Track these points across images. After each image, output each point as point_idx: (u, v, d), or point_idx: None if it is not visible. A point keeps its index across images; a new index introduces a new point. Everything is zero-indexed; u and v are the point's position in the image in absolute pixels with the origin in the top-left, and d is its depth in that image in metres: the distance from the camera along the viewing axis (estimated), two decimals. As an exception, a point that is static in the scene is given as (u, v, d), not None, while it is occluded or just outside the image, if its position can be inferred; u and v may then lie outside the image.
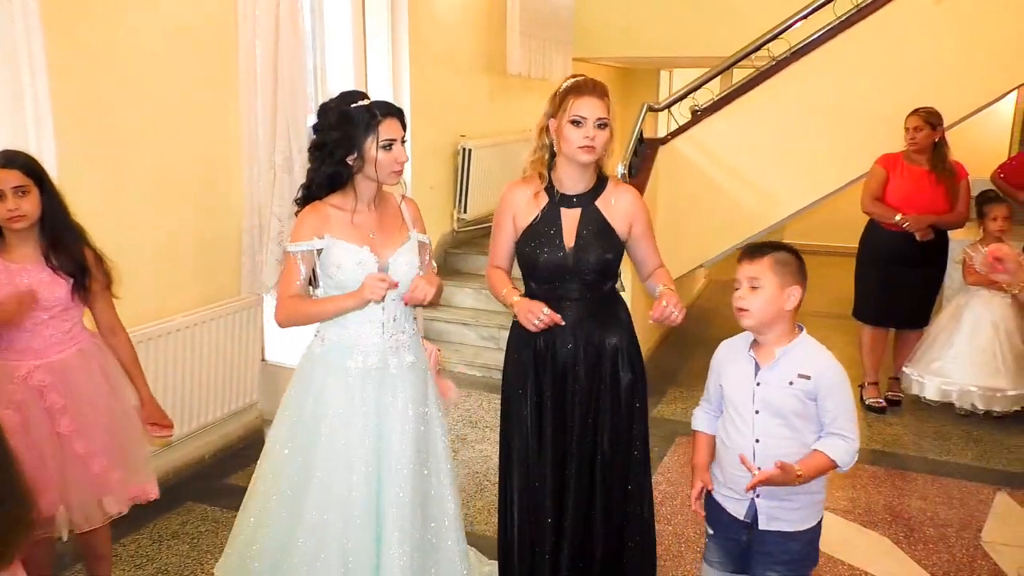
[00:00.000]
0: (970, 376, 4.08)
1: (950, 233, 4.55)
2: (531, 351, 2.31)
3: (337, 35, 4.34)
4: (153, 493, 2.42)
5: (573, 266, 2.24)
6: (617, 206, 2.28)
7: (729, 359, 2.01)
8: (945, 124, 4.17)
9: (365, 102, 2.10)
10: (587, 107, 2.17)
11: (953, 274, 4.58)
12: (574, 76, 2.28)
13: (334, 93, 4.16)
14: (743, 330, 1.99)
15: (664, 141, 5.13)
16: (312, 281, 2.21)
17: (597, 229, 2.26)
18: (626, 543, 2.37)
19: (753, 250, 1.95)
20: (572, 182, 2.27)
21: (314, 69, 4.21)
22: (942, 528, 3.14)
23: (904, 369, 4.35)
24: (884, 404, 4.34)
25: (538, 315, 2.17)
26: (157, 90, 3.23)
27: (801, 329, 1.96)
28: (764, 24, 5.00)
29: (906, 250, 4.11)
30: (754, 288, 1.90)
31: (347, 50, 4.34)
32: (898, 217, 4.05)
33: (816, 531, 1.98)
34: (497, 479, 3.43)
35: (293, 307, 2.17)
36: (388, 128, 2.09)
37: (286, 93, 3.54)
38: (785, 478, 1.81)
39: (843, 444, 1.85)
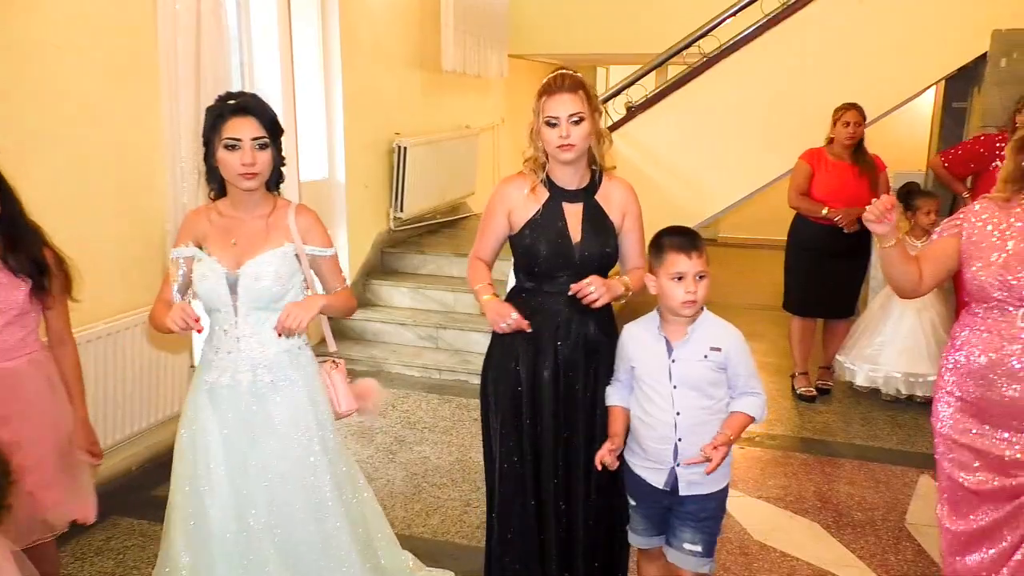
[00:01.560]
0: (895, 363, 4.22)
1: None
2: (518, 346, 2.25)
3: (264, 31, 4.23)
4: (92, 516, 2.27)
5: (578, 260, 2.21)
6: (613, 198, 2.27)
7: (638, 341, 2.11)
8: (869, 119, 4.30)
9: (230, 101, 2.04)
10: (558, 105, 2.13)
11: (879, 266, 4.73)
12: (554, 72, 2.25)
13: (263, 90, 4.06)
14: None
15: (598, 137, 5.16)
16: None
17: (599, 223, 2.24)
18: (615, 531, 2.35)
19: (692, 242, 2.00)
20: (567, 178, 2.25)
21: (241, 66, 4.10)
22: (869, 512, 3.23)
23: (837, 357, 4.47)
24: (814, 393, 4.45)
25: (506, 319, 2.17)
26: (72, 88, 3.11)
27: (702, 308, 2.07)
28: (697, 21, 5.08)
29: (832, 243, 4.22)
30: (701, 278, 2.00)
31: (274, 46, 4.24)
32: (825, 211, 4.15)
33: (727, 490, 2.14)
34: (436, 481, 3.44)
35: (156, 313, 2.11)
36: (234, 127, 2.01)
37: (210, 91, 3.43)
38: (728, 443, 2.00)
39: (756, 400, 2.06)
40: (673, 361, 2.04)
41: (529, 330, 2.20)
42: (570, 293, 2.16)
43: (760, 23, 4.88)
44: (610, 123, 5.23)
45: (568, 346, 2.24)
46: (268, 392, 2.10)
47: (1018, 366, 1.97)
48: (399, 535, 2.96)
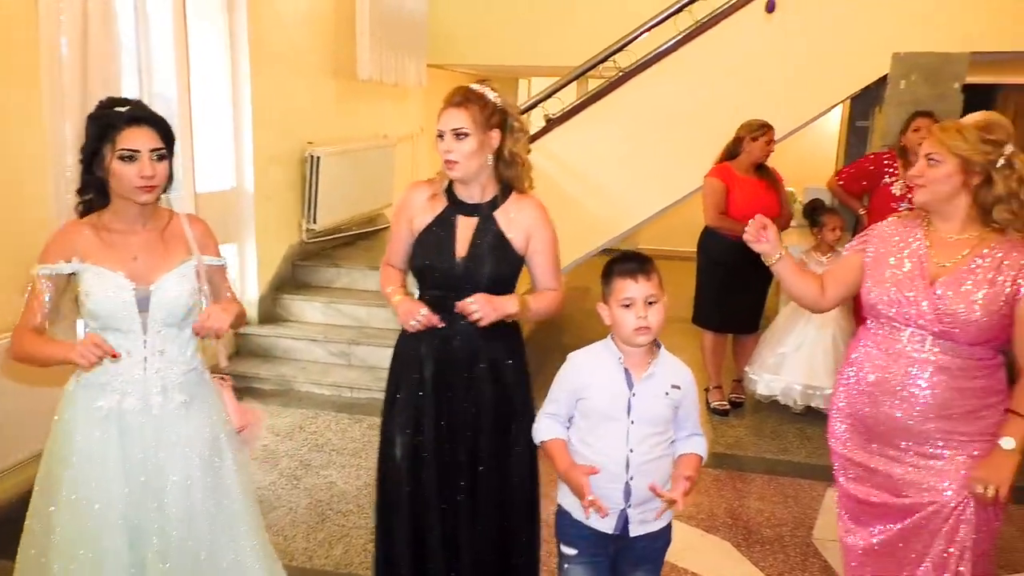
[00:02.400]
0: (795, 374, 4.32)
1: (785, 241, 4.79)
2: (418, 364, 2.21)
3: (163, 35, 4.03)
4: None
5: (463, 276, 2.14)
6: (517, 219, 2.18)
7: (593, 371, 1.97)
8: (779, 135, 4.40)
9: (120, 108, 1.91)
10: (445, 118, 2.12)
11: (788, 279, 4.82)
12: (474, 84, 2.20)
13: (164, 94, 3.84)
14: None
15: (515, 150, 5.11)
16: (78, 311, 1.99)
17: (493, 241, 2.16)
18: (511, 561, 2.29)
19: (640, 266, 1.91)
20: (467, 191, 2.19)
21: (139, 72, 3.89)
22: (778, 528, 3.25)
23: (746, 369, 4.54)
24: (728, 407, 4.50)
25: (415, 316, 2.11)
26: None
27: (658, 344, 1.99)
28: (616, 35, 5.09)
29: (742, 259, 4.25)
30: (651, 304, 1.90)
31: (171, 51, 4.04)
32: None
33: (671, 526, 2.06)
34: (342, 508, 3.30)
35: (27, 343, 1.91)
36: (131, 137, 1.88)
37: (97, 94, 3.22)
38: (692, 484, 1.90)
39: (703, 440, 2.01)
40: (634, 395, 1.92)
41: (441, 325, 2.14)
42: (456, 311, 2.10)
43: (674, 39, 4.93)
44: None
45: (448, 363, 2.17)
46: (182, 412, 1.99)
47: (903, 386, 1.99)
48: (299, 568, 2.83)
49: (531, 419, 2.16)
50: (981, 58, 4.72)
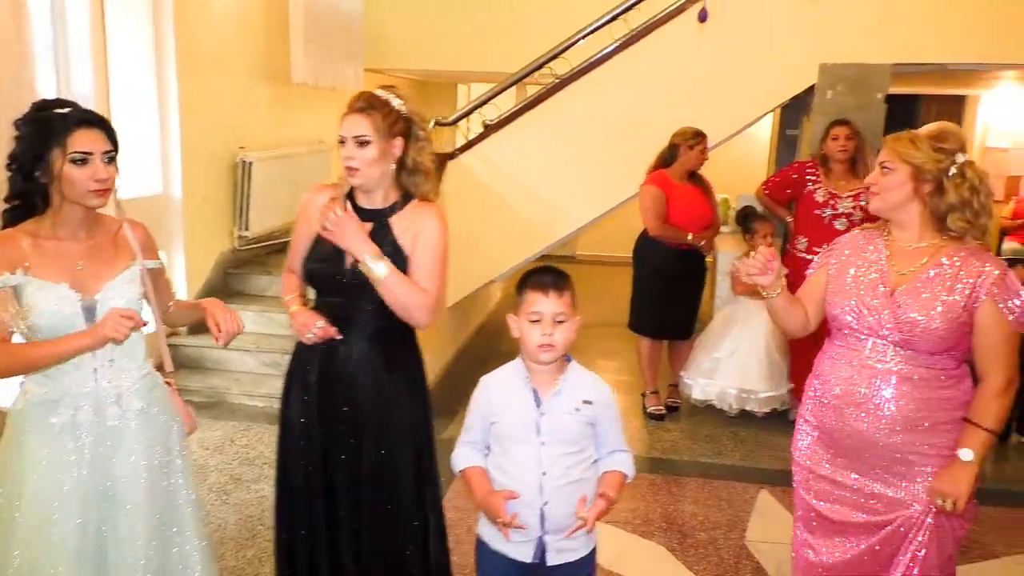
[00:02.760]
0: (730, 378, 4.39)
1: (718, 247, 4.90)
2: (308, 374, 2.17)
3: (83, 36, 3.88)
4: None
5: (352, 284, 2.09)
6: (410, 225, 2.13)
7: (501, 393, 1.92)
8: (712, 143, 4.47)
9: (63, 110, 1.83)
10: (346, 125, 2.07)
11: (723, 284, 4.91)
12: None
13: (82, 94, 3.69)
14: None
15: (452, 156, 5.09)
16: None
17: (386, 248, 2.10)
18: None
19: (554, 282, 1.85)
20: (368, 198, 2.15)
21: (56, 72, 3.74)
22: (712, 531, 3.29)
23: (681, 374, 4.60)
24: (664, 411, 4.54)
25: (311, 328, 2.07)
26: None
27: (569, 359, 1.94)
28: (553, 41, 5.10)
29: (680, 266, 4.38)
30: (559, 322, 1.84)
31: (87, 51, 3.89)
32: (691, 236, 4.28)
33: (595, 552, 1.97)
34: (273, 523, 3.20)
35: (6, 354, 1.82)
36: (81, 139, 1.81)
37: (9, 98, 3.09)
38: (609, 504, 1.84)
39: (627, 457, 1.94)
40: (542, 414, 1.86)
41: (339, 337, 2.11)
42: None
43: (610, 47, 4.96)
44: (463, 142, 5.17)
45: (335, 370, 2.13)
46: (138, 421, 1.95)
47: (867, 398, 1.96)
48: (226, 588, 2.73)
49: (420, 429, 2.18)
50: (903, 69, 4.88)
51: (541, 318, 1.83)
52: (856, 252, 2.06)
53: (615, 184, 5.03)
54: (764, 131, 7.60)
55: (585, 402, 1.87)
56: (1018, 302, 1.87)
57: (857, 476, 2.02)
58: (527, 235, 5.20)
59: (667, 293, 4.43)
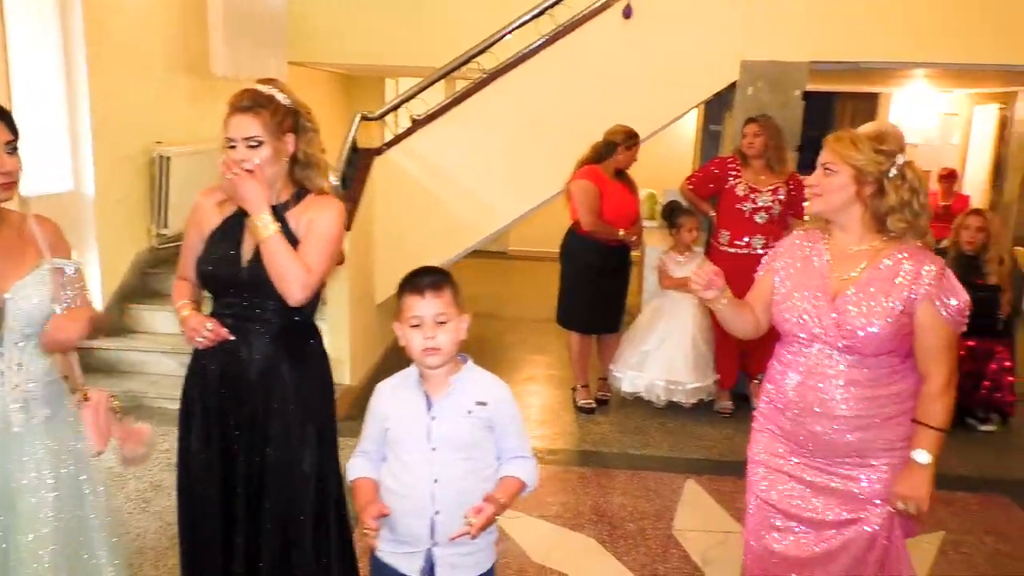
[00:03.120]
0: (658, 371, 4.46)
1: (646, 242, 4.97)
2: (206, 378, 2.10)
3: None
4: None
5: (249, 282, 2.02)
6: (306, 214, 2.07)
7: (394, 398, 1.86)
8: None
9: None
10: (233, 127, 1.97)
11: (651, 278, 4.98)
12: (257, 83, 2.05)
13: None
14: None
15: (379, 152, 5.03)
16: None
17: None
18: None
19: (430, 282, 1.78)
20: None
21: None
22: (640, 522, 3.33)
23: (610, 367, 4.65)
24: (594, 405, 4.58)
25: (201, 332, 2.01)
26: None
27: (464, 359, 1.88)
28: (482, 36, 5.08)
29: (609, 261, 4.44)
30: (441, 323, 1.77)
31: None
32: (622, 232, 4.33)
33: (493, 571, 1.89)
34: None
35: None
36: None
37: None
38: (498, 511, 1.75)
39: (528, 463, 1.85)
40: (433, 418, 1.78)
41: (231, 338, 2.04)
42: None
43: (536, 43, 4.97)
44: (391, 138, 5.10)
45: (234, 373, 2.06)
46: (48, 427, 1.87)
47: (818, 401, 1.96)
48: (144, 600, 2.64)
49: (325, 432, 2.14)
50: (820, 67, 5.03)
51: (421, 322, 1.76)
52: (799, 256, 2.05)
53: (544, 179, 5.04)
54: (689, 127, 7.75)
55: (479, 403, 1.79)
56: (955, 302, 1.88)
57: (815, 471, 2.01)
58: (457, 231, 5.17)
59: (596, 288, 4.47)
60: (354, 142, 4.78)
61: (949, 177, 7.07)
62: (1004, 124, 8.23)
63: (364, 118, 4.94)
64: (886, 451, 1.95)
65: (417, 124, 5.05)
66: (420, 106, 5.13)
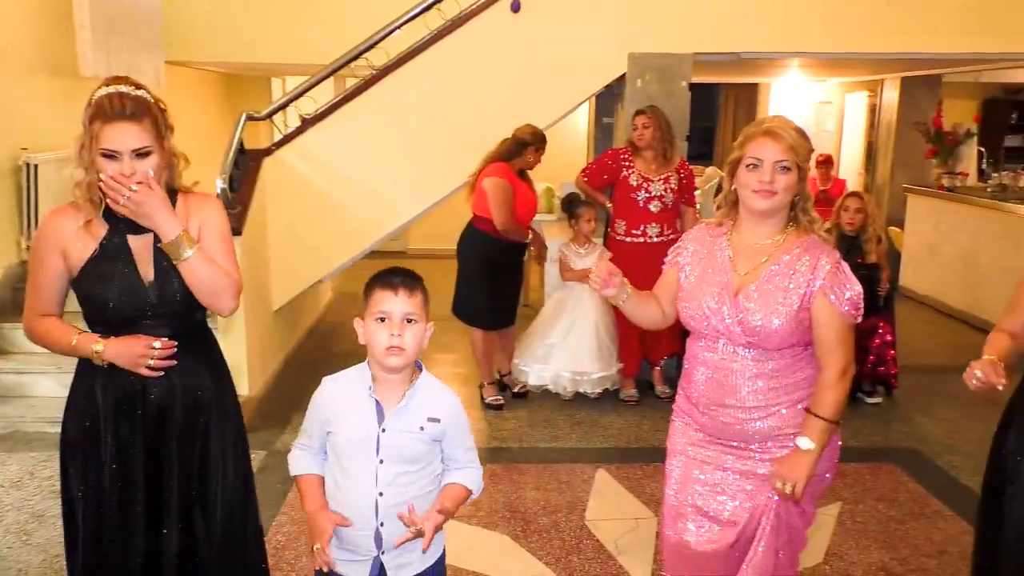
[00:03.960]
0: (563, 363, 4.50)
1: (547, 235, 4.99)
2: (98, 405, 1.92)
3: None
4: None
5: (157, 302, 1.88)
6: (193, 218, 1.94)
7: (342, 402, 1.78)
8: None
9: None
10: (114, 138, 1.80)
11: (552, 271, 5.01)
12: (109, 85, 1.88)
13: None
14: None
15: (268, 152, 4.85)
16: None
17: None
18: None
19: (404, 280, 1.74)
20: None
21: None
22: (553, 515, 3.34)
23: (515, 360, 4.65)
24: (502, 401, 4.57)
25: (149, 353, 1.86)
26: None
27: (420, 367, 1.82)
28: (370, 31, 4.96)
29: (509, 258, 4.48)
30: (409, 323, 1.71)
31: None
32: (530, 236, 4.45)
33: (443, 558, 1.90)
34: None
35: None
36: None
37: None
38: (444, 519, 1.74)
39: (475, 473, 1.85)
40: (383, 431, 1.72)
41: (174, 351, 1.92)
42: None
43: (425, 38, 4.90)
44: (279, 137, 4.93)
45: (128, 391, 1.91)
46: None
47: (729, 393, 1.97)
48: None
49: (238, 445, 2.06)
50: (704, 59, 5.17)
51: (389, 317, 1.70)
52: (703, 252, 2.06)
53: (441, 175, 4.99)
54: (582, 120, 7.85)
55: (431, 420, 1.75)
56: (849, 294, 1.91)
57: (732, 458, 2.02)
58: (355, 231, 5.05)
59: (502, 284, 4.49)
60: (241, 143, 4.59)
61: (826, 163, 7.42)
62: (874, 111, 8.72)
63: (250, 118, 4.74)
64: (798, 434, 1.97)
65: (307, 123, 4.90)
66: (309, 104, 4.97)
